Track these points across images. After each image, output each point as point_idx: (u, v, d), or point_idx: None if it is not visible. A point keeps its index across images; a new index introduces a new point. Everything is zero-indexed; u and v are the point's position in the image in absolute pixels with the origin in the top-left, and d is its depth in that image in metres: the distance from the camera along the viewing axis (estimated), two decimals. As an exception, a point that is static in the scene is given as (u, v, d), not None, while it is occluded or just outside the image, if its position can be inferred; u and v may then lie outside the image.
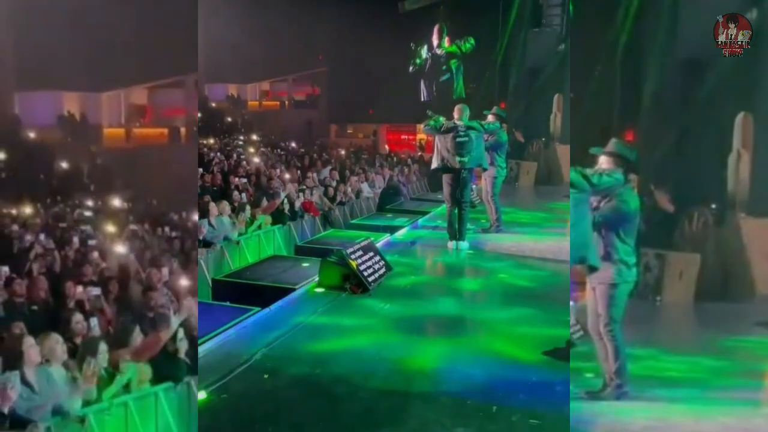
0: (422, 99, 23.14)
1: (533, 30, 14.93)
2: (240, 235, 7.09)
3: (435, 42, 22.30)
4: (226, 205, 7.21)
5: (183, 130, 17.87)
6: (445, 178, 6.62)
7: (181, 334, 3.90)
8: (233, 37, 21.08)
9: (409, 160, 16.68)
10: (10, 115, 15.96)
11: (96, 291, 5.01)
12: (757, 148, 7.25)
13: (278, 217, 8.01)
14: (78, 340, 3.99)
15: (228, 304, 4.70)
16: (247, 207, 7.54)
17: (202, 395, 3.13)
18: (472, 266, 6.24)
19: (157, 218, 9.19)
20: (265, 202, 7.99)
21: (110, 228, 8.10)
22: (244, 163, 11.73)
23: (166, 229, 8.38)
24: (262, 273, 5.64)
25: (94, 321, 4.44)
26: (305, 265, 5.89)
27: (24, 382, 3.32)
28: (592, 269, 3.37)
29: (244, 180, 9.68)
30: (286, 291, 4.95)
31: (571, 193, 3.35)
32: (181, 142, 17.36)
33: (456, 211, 6.63)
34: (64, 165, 13.40)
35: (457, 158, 6.47)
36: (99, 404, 3.47)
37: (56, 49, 13.69)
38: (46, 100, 16.91)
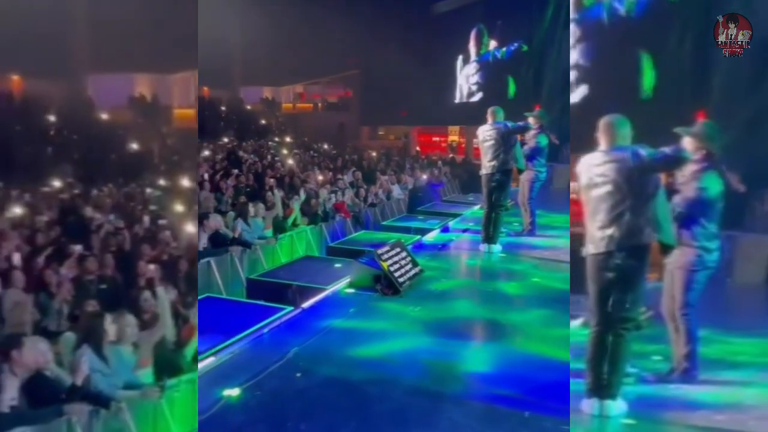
0: (459, 99, 22.93)
1: (569, 30, 14.67)
2: (278, 229, 7.21)
3: (473, 49, 22.18)
4: (261, 207, 7.35)
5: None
6: (484, 181, 6.60)
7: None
8: (268, 40, 21.43)
9: (440, 162, 16.63)
10: (84, 98, 16.65)
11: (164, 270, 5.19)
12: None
13: (311, 218, 8.12)
14: (146, 317, 4.12)
15: (262, 302, 4.78)
16: (279, 206, 7.66)
17: (236, 392, 3.21)
18: (505, 269, 6.17)
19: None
20: (297, 202, 8.09)
21: (179, 207, 8.31)
22: (279, 164, 11.92)
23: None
24: (295, 273, 5.72)
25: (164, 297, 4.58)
26: (337, 265, 5.95)
27: (99, 357, 3.48)
28: (667, 248, 3.23)
29: (279, 181, 9.84)
30: (319, 291, 5.01)
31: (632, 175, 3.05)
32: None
33: (491, 213, 6.59)
34: (135, 146, 13.82)
35: (488, 162, 6.43)
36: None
37: (128, 32, 14.06)
38: (118, 82, 17.55)
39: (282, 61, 22.60)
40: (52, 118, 14.55)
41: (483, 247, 6.62)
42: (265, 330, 4.10)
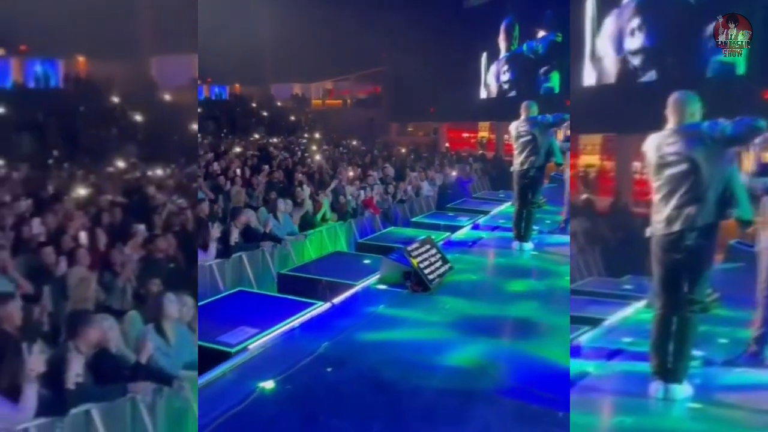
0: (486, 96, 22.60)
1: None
2: (307, 225, 7.28)
3: (503, 45, 21.82)
4: (290, 203, 7.42)
5: (348, 101, 17.73)
6: (515, 178, 6.49)
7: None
8: (298, 37, 21.57)
9: (470, 158, 16.47)
10: (147, 79, 17.14)
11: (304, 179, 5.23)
12: None
13: (340, 213, 8.15)
14: None
15: (293, 297, 4.82)
16: (309, 202, 7.72)
17: (269, 384, 3.24)
18: (537, 267, 6.08)
19: (336, 142, 9.18)
20: (326, 198, 8.13)
21: (314, 147, 8.35)
22: (308, 161, 12.01)
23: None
24: (325, 268, 5.75)
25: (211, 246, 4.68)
26: (366, 261, 5.95)
27: (162, 336, 3.58)
28: (746, 224, 3.13)
29: (308, 177, 9.91)
30: (348, 287, 5.02)
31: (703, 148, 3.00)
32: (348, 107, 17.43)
33: (523, 211, 6.49)
34: (197, 126, 14.10)
35: (522, 158, 6.32)
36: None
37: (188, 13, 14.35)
38: (180, 62, 17.98)
39: (312, 58, 22.74)
40: (116, 99, 14.91)
41: (515, 244, 6.53)
42: (297, 324, 4.13)
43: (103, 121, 13.73)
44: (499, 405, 3.10)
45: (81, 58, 17.87)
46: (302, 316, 4.28)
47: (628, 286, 5.68)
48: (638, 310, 4.51)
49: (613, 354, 3.81)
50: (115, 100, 14.94)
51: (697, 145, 3.03)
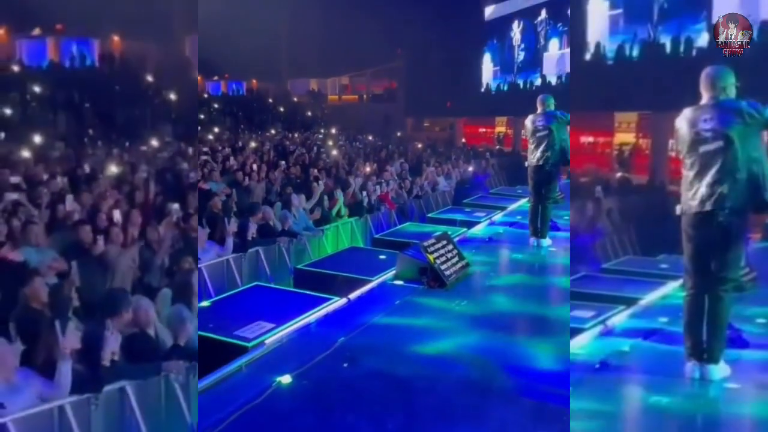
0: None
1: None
2: (323, 220, 7.30)
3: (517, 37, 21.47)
4: (304, 198, 7.44)
5: (365, 96, 18.33)
6: (530, 173, 6.41)
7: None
8: (314, 33, 21.59)
9: (487, 153, 16.34)
10: (181, 58, 17.36)
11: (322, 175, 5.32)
12: None
13: (356, 209, 8.15)
14: None
15: (309, 292, 4.84)
16: (325, 197, 7.74)
17: (287, 379, 3.25)
18: (554, 263, 6.01)
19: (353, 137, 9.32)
20: (340, 193, 8.14)
21: (330, 142, 8.42)
22: (324, 156, 12.03)
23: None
24: (342, 264, 5.76)
25: (229, 240, 4.80)
26: (382, 257, 5.94)
27: (192, 313, 3.64)
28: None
29: (325, 172, 9.92)
30: (365, 282, 5.02)
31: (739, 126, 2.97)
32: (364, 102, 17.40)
33: (538, 206, 6.41)
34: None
35: (538, 153, 6.24)
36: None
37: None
38: None
39: (328, 53, 22.77)
40: (150, 78, 15.12)
41: (531, 240, 6.46)
42: (313, 319, 4.14)
43: (137, 100, 13.91)
44: (516, 403, 3.08)
45: (116, 38, 18.08)
46: (318, 311, 4.28)
47: (663, 265, 5.63)
48: (674, 289, 4.44)
49: (649, 334, 3.78)
50: (150, 79, 15.10)
51: (733, 122, 2.98)
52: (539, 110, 6.36)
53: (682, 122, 3.15)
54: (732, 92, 3.10)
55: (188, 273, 4.02)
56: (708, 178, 3.01)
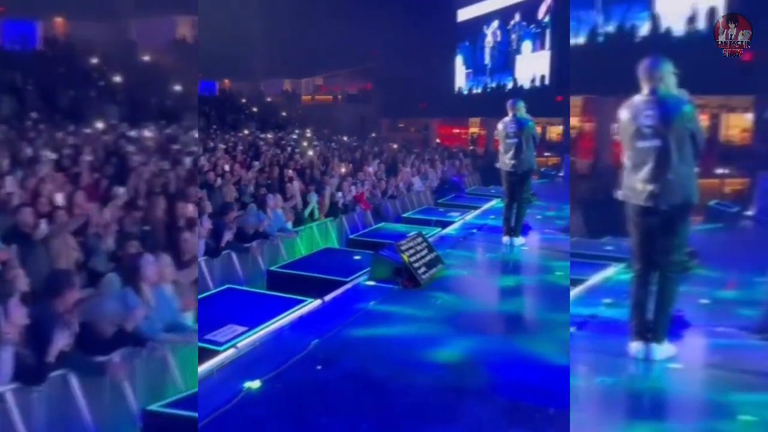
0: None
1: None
2: (297, 222, 7.23)
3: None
4: (280, 199, 7.35)
5: (339, 96, 18.10)
6: (503, 176, 6.48)
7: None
8: (288, 32, 21.42)
9: (460, 154, 16.48)
10: (127, 40, 16.97)
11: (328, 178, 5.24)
12: None
13: (330, 210, 8.10)
14: (186, 258, 4.17)
15: (283, 294, 4.78)
16: (299, 198, 7.68)
17: (256, 384, 3.20)
18: (527, 262, 6.08)
19: (327, 138, 9.40)
20: (314, 195, 8.09)
21: (305, 143, 8.35)
22: (298, 156, 11.94)
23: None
24: (316, 265, 5.71)
25: (201, 242, 4.69)
26: (357, 258, 5.92)
27: (140, 298, 3.53)
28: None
29: (299, 173, 9.84)
30: (339, 283, 4.98)
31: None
32: (339, 102, 17.50)
33: (512, 206, 6.48)
34: (177, 88, 14.00)
35: (509, 159, 6.32)
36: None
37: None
38: (160, 24, 17.85)
39: (302, 54, 22.61)
40: (95, 60, 14.78)
41: (505, 239, 6.53)
42: (286, 322, 4.09)
43: (82, 83, 13.53)
44: (491, 402, 3.08)
45: (59, 20, 17.58)
46: (292, 313, 4.23)
47: (608, 247, 5.85)
48: (618, 271, 4.53)
49: (592, 315, 3.87)
50: (95, 61, 14.73)
51: (672, 122, 3.00)
52: (510, 115, 6.44)
53: (625, 113, 3.16)
54: (671, 81, 3.09)
55: (135, 257, 3.90)
56: (642, 174, 3.05)
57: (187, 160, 7.57)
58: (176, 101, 13.14)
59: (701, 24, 11.98)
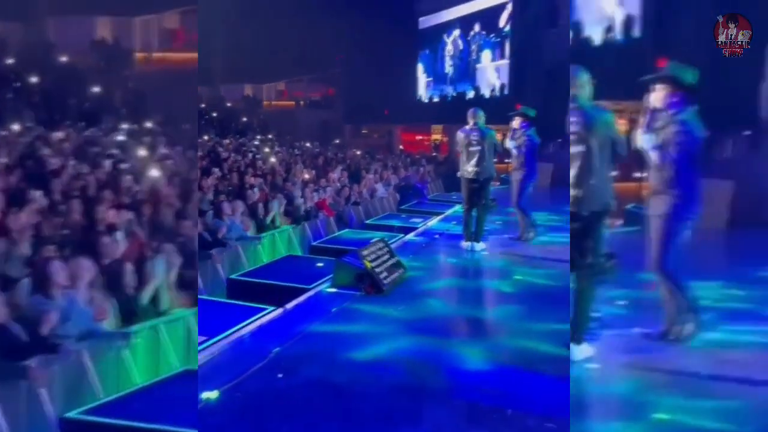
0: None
1: (550, 30, 14.82)
2: (258, 229, 7.15)
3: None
4: (240, 205, 7.25)
5: None
6: (464, 182, 6.60)
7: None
8: (249, 37, 21.20)
9: (423, 160, 16.65)
10: (45, 41, 16.32)
11: (128, 215, 5.14)
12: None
13: (293, 217, 8.04)
14: (106, 262, 4.08)
15: (243, 303, 4.71)
16: (260, 205, 7.60)
17: (214, 394, 3.14)
18: (487, 267, 6.20)
19: (191, 142, 9.43)
20: (279, 201, 8.01)
21: (142, 152, 8.25)
22: (260, 162, 11.81)
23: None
24: (278, 272, 5.65)
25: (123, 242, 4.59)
26: (320, 265, 5.90)
27: (52, 303, 3.41)
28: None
29: (260, 180, 9.74)
30: (301, 291, 4.95)
31: None
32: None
33: (472, 212, 6.60)
34: (96, 89, 13.58)
35: (470, 167, 6.45)
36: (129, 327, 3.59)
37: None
38: (78, 25, 17.26)
39: (263, 59, 22.42)
40: (11, 60, 14.24)
41: (466, 245, 6.63)
42: (247, 330, 4.04)
43: None
44: (451, 405, 3.13)
45: None
46: (252, 322, 4.18)
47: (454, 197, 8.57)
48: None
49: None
50: (10, 62, 14.19)
51: (594, 129, 3.19)
52: (470, 123, 6.57)
53: (570, 118, 3.36)
54: (587, 91, 3.29)
55: (45, 263, 3.78)
56: (571, 178, 3.23)
57: (107, 163, 7.38)
58: (94, 103, 12.83)
59: (617, 33, 13.01)
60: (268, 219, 7.58)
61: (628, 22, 12.81)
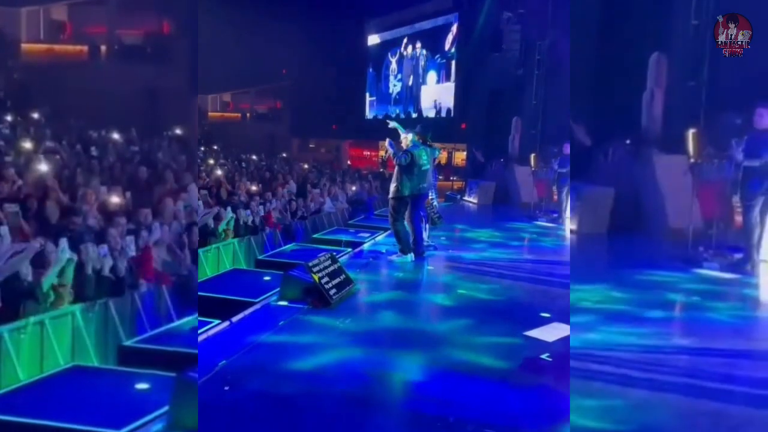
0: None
1: (494, 54, 15.48)
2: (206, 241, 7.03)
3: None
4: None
5: (103, 48, 17.88)
6: (392, 202, 6.85)
7: (105, 251, 3.99)
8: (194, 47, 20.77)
9: (370, 176, 16.85)
10: None
11: (14, 207, 4.91)
12: (669, 87, 8.16)
13: (239, 230, 7.95)
14: None
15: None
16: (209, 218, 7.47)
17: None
18: (431, 281, 6.38)
19: (79, 135, 9.15)
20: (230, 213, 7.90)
21: (27, 144, 7.98)
22: (204, 175, 11.58)
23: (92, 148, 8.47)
24: (223, 286, 5.59)
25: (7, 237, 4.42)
26: (266, 278, 5.87)
27: None
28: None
29: (205, 192, 9.56)
30: (248, 304, 4.93)
31: None
32: (101, 59, 17.29)
33: (410, 226, 6.84)
34: None
35: (420, 185, 6.78)
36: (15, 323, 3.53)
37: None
38: None
39: (209, 69, 22.06)
40: None
41: (407, 257, 6.83)
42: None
43: None
44: (396, 414, 3.22)
45: None
46: (198, 336, 4.12)
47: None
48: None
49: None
50: None
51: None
52: (403, 144, 6.85)
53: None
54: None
55: None
56: (421, 183, 6.72)
57: None
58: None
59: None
60: (222, 227, 7.47)
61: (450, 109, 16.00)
